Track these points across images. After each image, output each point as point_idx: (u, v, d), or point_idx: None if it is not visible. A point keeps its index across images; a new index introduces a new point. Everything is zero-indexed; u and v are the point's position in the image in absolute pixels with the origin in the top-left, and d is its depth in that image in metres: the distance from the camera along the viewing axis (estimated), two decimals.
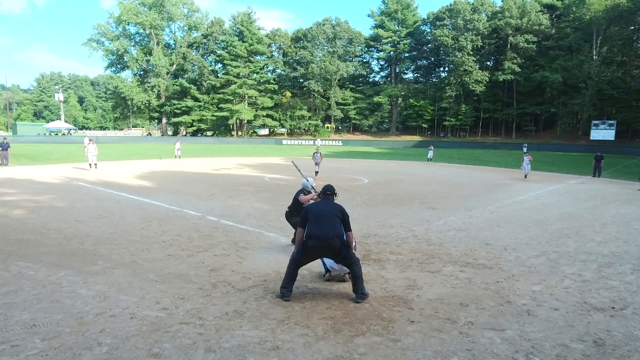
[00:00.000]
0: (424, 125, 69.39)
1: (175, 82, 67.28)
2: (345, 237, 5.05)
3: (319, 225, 4.94)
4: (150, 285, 5.26)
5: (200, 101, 66.22)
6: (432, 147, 33.76)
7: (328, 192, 5.44)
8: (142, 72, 68.81)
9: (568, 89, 56.27)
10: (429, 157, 31.83)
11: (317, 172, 19.03)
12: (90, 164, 19.53)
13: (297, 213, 6.71)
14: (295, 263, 5.03)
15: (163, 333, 3.97)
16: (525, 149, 21.36)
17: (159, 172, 20.08)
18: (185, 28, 69.98)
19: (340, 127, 76.78)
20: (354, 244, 5.33)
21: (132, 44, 67.68)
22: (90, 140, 20.20)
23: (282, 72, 73.09)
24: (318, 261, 5.75)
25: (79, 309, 4.49)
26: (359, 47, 71.92)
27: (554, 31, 58.58)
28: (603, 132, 50.63)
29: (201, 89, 67.90)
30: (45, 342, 3.75)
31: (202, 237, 7.80)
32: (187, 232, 8.14)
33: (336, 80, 67.63)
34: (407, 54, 71.50)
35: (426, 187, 16.42)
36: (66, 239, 7.45)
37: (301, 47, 69.68)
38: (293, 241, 6.69)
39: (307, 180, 6.97)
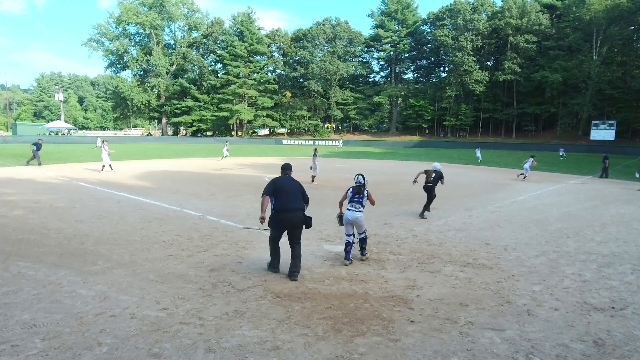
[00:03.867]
0: (424, 125, 69.43)
1: (175, 82, 67.29)
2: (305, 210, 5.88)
3: (287, 200, 5.67)
4: (150, 285, 5.26)
5: (200, 101, 66.24)
6: (479, 149, 34.39)
7: (287, 169, 6.12)
8: (142, 72, 68.83)
9: (568, 89, 56.27)
10: (479, 159, 32.55)
11: (312, 177, 16.86)
12: (104, 166, 19.08)
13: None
14: (274, 240, 5.83)
15: (163, 333, 3.98)
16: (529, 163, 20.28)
17: (159, 172, 20.08)
18: (185, 28, 70.02)
19: (340, 127, 76.78)
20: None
21: (132, 44, 67.70)
22: (105, 141, 20.16)
23: (282, 72, 73.10)
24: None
25: (79, 309, 4.49)
26: (359, 47, 71.92)
27: (554, 31, 58.56)
28: (603, 132, 50.63)
29: (201, 89, 67.91)
30: (45, 342, 3.75)
31: (202, 237, 7.80)
32: (187, 232, 8.14)
33: (336, 80, 67.63)
34: (407, 54, 71.51)
35: None
36: (66, 239, 7.45)
37: (301, 47, 69.70)
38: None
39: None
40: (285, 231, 5.77)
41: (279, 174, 6.14)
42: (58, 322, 4.16)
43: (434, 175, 10.50)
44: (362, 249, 6.69)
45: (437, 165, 10.80)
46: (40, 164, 21.25)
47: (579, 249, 7.60)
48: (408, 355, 3.70)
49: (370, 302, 4.88)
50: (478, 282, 5.71)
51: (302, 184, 6.07)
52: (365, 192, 6.56)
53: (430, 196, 10.49)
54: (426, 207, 10.48)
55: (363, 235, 6.64)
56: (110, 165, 19.11)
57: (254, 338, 3.93)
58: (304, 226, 5.79)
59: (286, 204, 5.64)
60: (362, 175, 6.69)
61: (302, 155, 35.03)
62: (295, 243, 5.75)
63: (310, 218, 5.83)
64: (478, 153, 33.43)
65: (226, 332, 4.04)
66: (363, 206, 6.56)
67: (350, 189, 6.66)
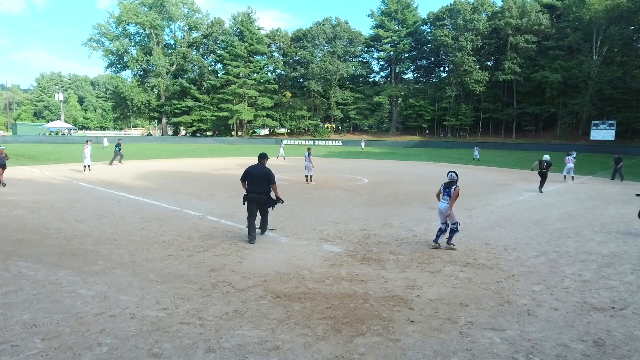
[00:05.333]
0: (424, 125, 69.42)
1: (175, 82, 67.29)
2: (271, 193, 7.65)
3: (253, 185, 7.47)
4: (150, 285, 5.26)
5: (200, 101, 66.25)
6: (477, 148, 34.84)
7: (262, 158, 7.77)
8: (142, 72, 68.83)
9: (568, 89, 56.27)
10: (476, 157, 33.19)
11: (310, 177, 16.77)
12: (84, 166, 18.78)
13: None
14: (250, 217, 7.51)
15: (163, 333, 3.98)
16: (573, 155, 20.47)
17: (159, 172, 20.09)
18: (186, 28, 70.00)
19: (340, 127, 76.77)
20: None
21: (132, 44, 67.70)
22: (88, 141, 20.12)
23: (282, 72, 73.11)
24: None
25: (79, 309, 4.49)
26: (359, 47, 71.90)
27: (554, 31, 58.55)
28: (603, 132, 50.62)
29: (201, 89, 67.90)
30: (45, 342, 3.75)
31: (202, 237, 7.80)
32: (187, 232, 8.14)
33: (336, 80, 67.61)
34: (407, 54, 71.49)
35: (426, 187, 16.42)
36: (66, 239, 7.45)
37: (301, 47, 69.68)
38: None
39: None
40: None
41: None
42: (58, 322, 4.16)
43: (545, 163, 15.27)
44: (450, 238, 7.41)
45: (547, 157, 15.57)
46: (120, 162, 23.70)
47: (579, 249, 7.60)
48: (408, 355, 3.70)
49: (370, 302, 4.88)
50: (478, 282, 5.71)
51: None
52: (454, 187, 7.30)
53: (544, 178, 15.33)
54: (542, 185, 15.33)
55: (454, 226, 7.34)
56: (86, 167, 18.75)
57: (254, 338, 3.93)
58: (268, 203, 7.66)
59: (252, 188, 7.50)
60: (455, 172, 7.43)
61: (302, 155, 35.03)
62: (262, 214, 7.82)
63: (274, 200, 7.64)
64: (476, 152, 33.71)
65: (226, 332, 4.04)
66: (450, 197, 7.28)
67: (443, 184, 7.46)
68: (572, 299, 5.16)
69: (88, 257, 6.35)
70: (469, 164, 30.93)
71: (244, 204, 7.63)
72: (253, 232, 7.48)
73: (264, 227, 7.93)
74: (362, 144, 54.05)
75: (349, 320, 4.36)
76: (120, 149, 23.58)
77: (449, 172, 7.50)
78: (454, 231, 7.36)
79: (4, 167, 14.05)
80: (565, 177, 19.61)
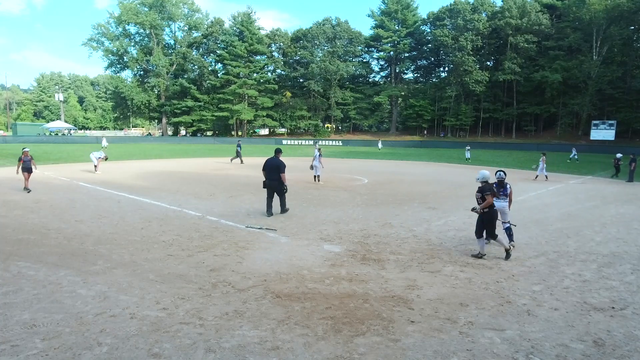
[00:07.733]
0: (424, 125, 69.36)
1: (175, 82, 67.26)
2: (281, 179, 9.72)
3: (269, 173, 9.70)
4: (150, 285, 5.26)
5: (200, 101, 66.22)
6: (468, 148, 35.38)
7: (277, 152, 10.03)
8: (142, 72, 68.81)
9: (568, 89, 56.23)
10: (467, 156, 33.73)
11: (318, 177, 16.91)
12: (96, 165, 18.93)
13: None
14: (268, 197, 9.82)
15: (163, 333, 3.98)
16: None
17: (158, 172, 20.08)
18: (186, 28, 69.94)
19: (340, 127, 76.76)
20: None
21: (132, 44, 67.65)
22: (103, 148, 20.35)
23: (282, 72, 73.09)
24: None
25: (79, 309, 4.49)
26: (359, 47, 71.88)
27: (554, 31, 58.51)
28: (603, 132, 50.61)
29: (201, 89, 67.88)
30: (45, 342, 3.75)
31: (202, 237, 7.80)
32: (187, 232, 8.14)
33: (336, 80, 67.58)
34: (407, 54, 71.43)
35: (426, 187, 16.42)
36: (66, 239, 7.45)
37: (301, 47, 69.65)
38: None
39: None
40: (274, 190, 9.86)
41: None
42: (58, 322, 4.16)
43: (616, 160, 20.33)
44: (510, 236, 7.44)
45: (619, 155, 20.46)
46: (242, 162, 25.96)
47: (579, 249, 7.60)
48: (408, 355, 3.70)
49: (370, 302, 4.88)
50: (478, 282, 5.71)
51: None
52: (508, 186, 7.46)
53: (618, 170, 20.34)
54: (616, 175, 20.30)
55: (507, 224, 7.44)
56: (95, 166, 18.99)
57: (254, 338, 3.93)
58: (281, 186, 9.80)
59: (267, 176, 9.73)
60: (503, 172, 7.57)
61: (302, 155, 35.07)
62: (279, 196, 9.88)
63: (283, 187, 9.78)
64: (467, 152, 33.95)
65: (226, 332, 4.04)
66: (507, 196, 7.48)
67: (494, 184, 7.46)
68: (572, 299, 5.16)
69: (88, 257, 6.35)
70: (467, 164, 30.96)
71: (264, 187, 9.81)
72: (270, 209, 9.78)
73: (282, 207, 9.93)
74: (380, 144, 53.45)
75: (349, 320, 4.36)
76: (240, 149, 26.17)
77: (497, 171, 7.64)
78: (509, 229, 7.46)
79: (29, 171, 13.15)
80: (546, 176, 19.54)
